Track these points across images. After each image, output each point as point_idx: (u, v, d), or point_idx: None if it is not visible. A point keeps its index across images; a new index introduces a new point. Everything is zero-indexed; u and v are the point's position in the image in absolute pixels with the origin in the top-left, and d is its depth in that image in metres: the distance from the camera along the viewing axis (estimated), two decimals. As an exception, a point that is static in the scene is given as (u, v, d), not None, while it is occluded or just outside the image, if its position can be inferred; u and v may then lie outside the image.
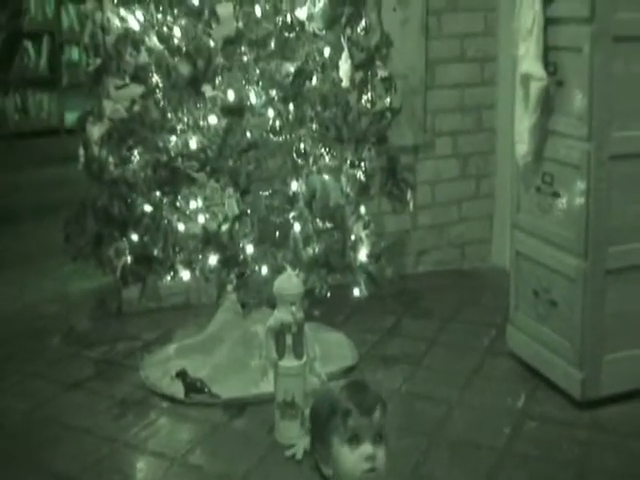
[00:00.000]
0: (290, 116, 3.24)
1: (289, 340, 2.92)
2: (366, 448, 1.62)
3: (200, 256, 3.26)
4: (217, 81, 3.14)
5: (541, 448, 2.77)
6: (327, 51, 3.25)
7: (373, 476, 1.64)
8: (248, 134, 3.18)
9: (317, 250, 3.28)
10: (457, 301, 4.04)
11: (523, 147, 3.12)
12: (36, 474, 2.74)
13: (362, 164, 3.42)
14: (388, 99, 3.56)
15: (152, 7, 3.15)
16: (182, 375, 3.27)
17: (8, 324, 3.96)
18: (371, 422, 1.63)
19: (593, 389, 2.99)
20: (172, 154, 3.17)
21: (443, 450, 2.77)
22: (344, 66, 3.31)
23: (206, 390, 3.20)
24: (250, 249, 3.24)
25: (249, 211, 3.19)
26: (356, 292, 3.44)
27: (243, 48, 3.14)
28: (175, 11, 3.13)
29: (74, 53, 8.16)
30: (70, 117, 7.46)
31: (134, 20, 3.17)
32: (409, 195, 3.60)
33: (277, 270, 3.11)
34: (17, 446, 2.91)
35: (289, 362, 2.90)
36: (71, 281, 4.42)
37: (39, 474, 2.74)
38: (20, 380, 3.42)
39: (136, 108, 3.22)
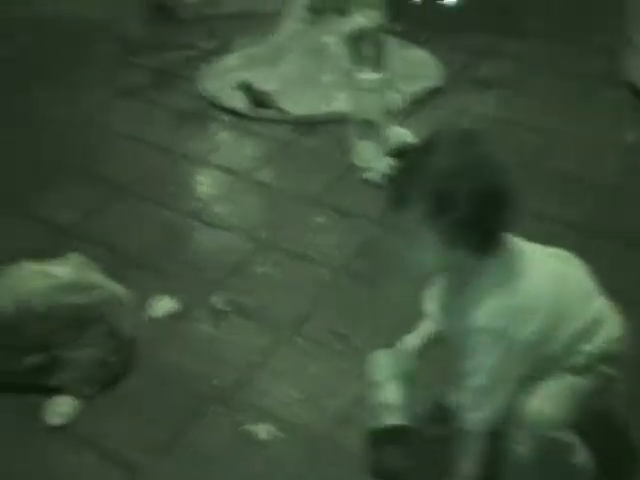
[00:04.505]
0: None
1: (368, 50, 2.73)
2: None
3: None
4: None
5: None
6: None
7: None
8: None
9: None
10: (566, 20, 3.71)
11: None
12: (91, 182, 2.74)
13: None
14: None
15: None
16: (246, 87, 3.15)
17: (51, 29, 3.82)
18: None
19: None
20: None
21: (542, 183, 2.64)
22: None
23: (273, 105, 3.08)
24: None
25: None
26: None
27: None
28: None
29: None
30: None
31: None
32: None
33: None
34: (71, 155, 2.91)
35: (368, 75, 2.74)
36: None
37: (94, 182, 2.74)
38: (69, 90, 3.34)
39: None
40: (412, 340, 1.65)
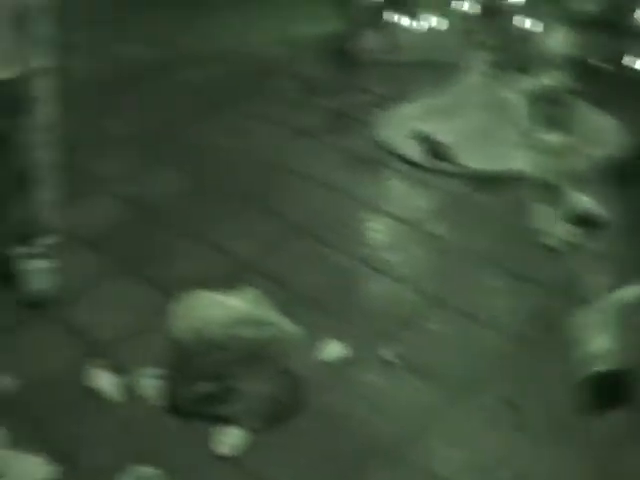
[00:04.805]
0: None
1: (550, 111, 2.72)
2: None
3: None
4: None
5: None
6: None
7: None
8: None
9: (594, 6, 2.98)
10: None
11: None
12: (268, 217, 2.84)
13: None
14: None
15: None
16: (423, 138, 3.18)
17: (230, 65, 4.00)
18: None
19: None
20: None
21: None
22: None
23: (450, 157, 3.10)
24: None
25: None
26: (638, 65, 3.14)
27: None
28: None
29: None
30: None
31: None
32: None
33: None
34: (249, 187, 3.02)
35: (549, 136, 2.72)
36: (299, 23, 4.33)
37: (271, 217, 2.84)
38: (244, 122, 3.49)
39: None
40: (619, 295, 1.61)
